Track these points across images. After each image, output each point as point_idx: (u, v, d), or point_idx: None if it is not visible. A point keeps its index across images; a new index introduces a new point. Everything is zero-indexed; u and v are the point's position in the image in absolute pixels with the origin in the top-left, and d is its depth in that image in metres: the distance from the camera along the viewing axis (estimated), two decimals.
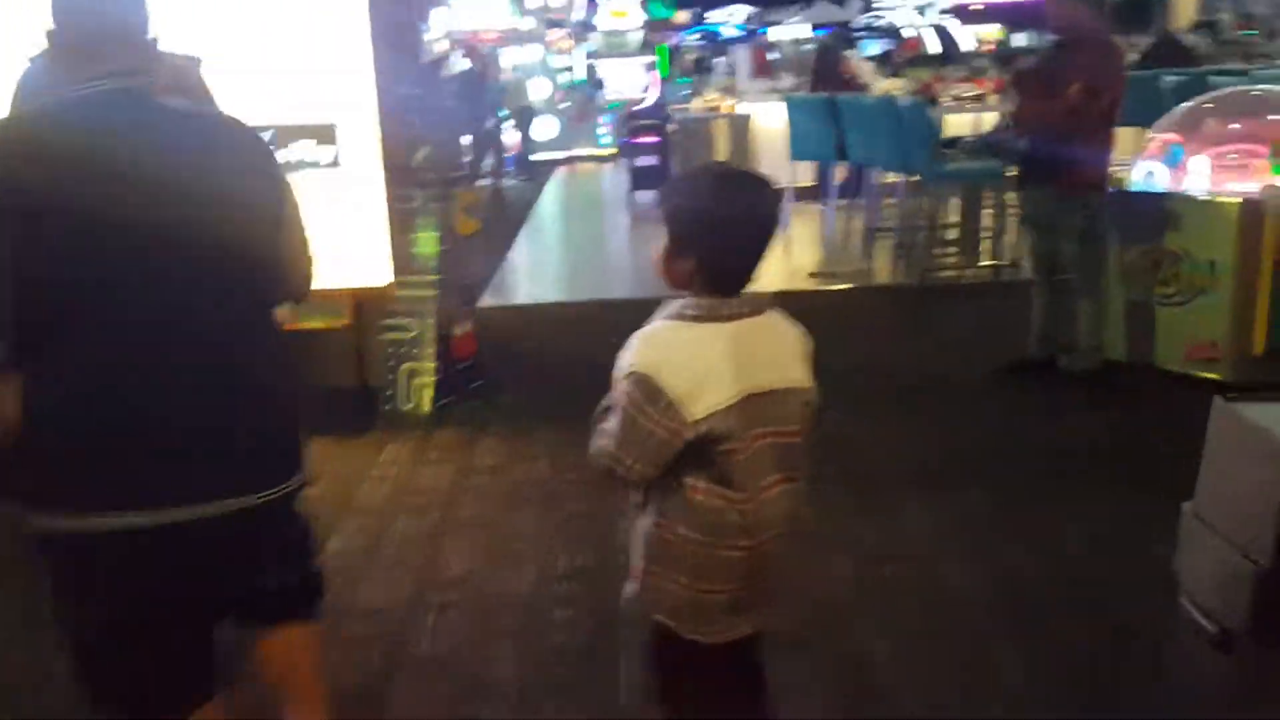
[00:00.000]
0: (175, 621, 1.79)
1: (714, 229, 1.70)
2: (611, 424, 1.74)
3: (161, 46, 2.83)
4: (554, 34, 17.08)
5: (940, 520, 3.65)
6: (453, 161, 5.65)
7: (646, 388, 1.67)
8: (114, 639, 1.77)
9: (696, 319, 1.72)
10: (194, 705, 1.86)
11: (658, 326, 1.75)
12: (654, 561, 1.79)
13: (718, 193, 1.74)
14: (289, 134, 4.49)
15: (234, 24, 4.37)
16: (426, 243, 5.00)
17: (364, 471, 4.31)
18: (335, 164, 4.56)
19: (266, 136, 4.43)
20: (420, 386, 4.95)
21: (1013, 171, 5.44)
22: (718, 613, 1.80)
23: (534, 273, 9.11)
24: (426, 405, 4.92)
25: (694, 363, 1.69)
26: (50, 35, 1.79)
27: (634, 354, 1.71)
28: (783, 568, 1.85)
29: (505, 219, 10.88)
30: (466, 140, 10.91)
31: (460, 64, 12.82)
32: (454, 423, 4.82)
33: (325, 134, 4.52)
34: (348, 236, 4.58)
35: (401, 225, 4.77)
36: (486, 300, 7.08)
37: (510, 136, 14.70)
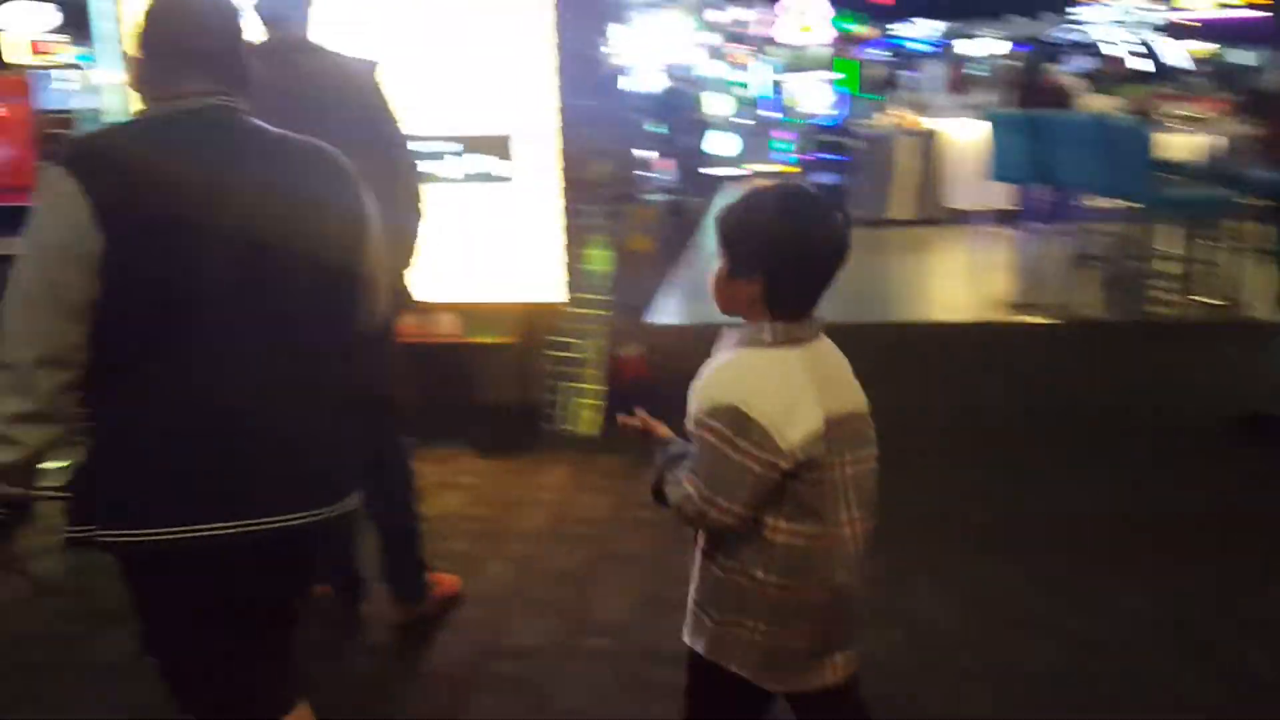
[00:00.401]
0: (252, 631, 1.79)
1: (787, 248, 1.61)
2: (692, 467, 1.65)
3: (338, 48, 2.72)
4: (734, 48, 16.87)
5: (1159, 604, 3.17)
6: (629, 176, 5.49)
7: (735, 420, 1.58)
8: (197, 648, 1.76)
9: (773, 344, 1.64)
10: (276, 714, 1.84)
11: (734, 356, 1.67)
12: (727, 611, 1.69)
13: (788, 211, 1.63)
14: (470, 144, 4.41)
15: (415, 30, 4.32)
16: (599, 260, 4.84)
17: (522, 495, 4.16)
18: (510, 177, 4.44)
19: (452, 148, 4.56)
20: (585, 408, 4.78)
21: (1255, 201, 4.81)
22: (801, 660, 1.69)
23: (705, 291, 8.83)
24: (590, 428, 4.75)
25: (782, 389, 1.61)
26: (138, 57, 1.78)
27: (714, 388, 1.64)
28: (862, 605, 1.76)
29: (678, 234, 10.66)
30: (658, 155, 10.71)
31: (655, 79, 12.73)
32: (617, 448, 4.61)
33: (502, 146, 4.41)
34: (519, 251, 4.47)
35: (575, 241, 4.62)
36: (656, 317, 6.88)
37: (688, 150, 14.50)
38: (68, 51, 6.90)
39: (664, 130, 11.28)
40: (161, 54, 1.73)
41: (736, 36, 17.07)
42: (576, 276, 4.65)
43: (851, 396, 1.70)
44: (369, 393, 1.92)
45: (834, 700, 1.74)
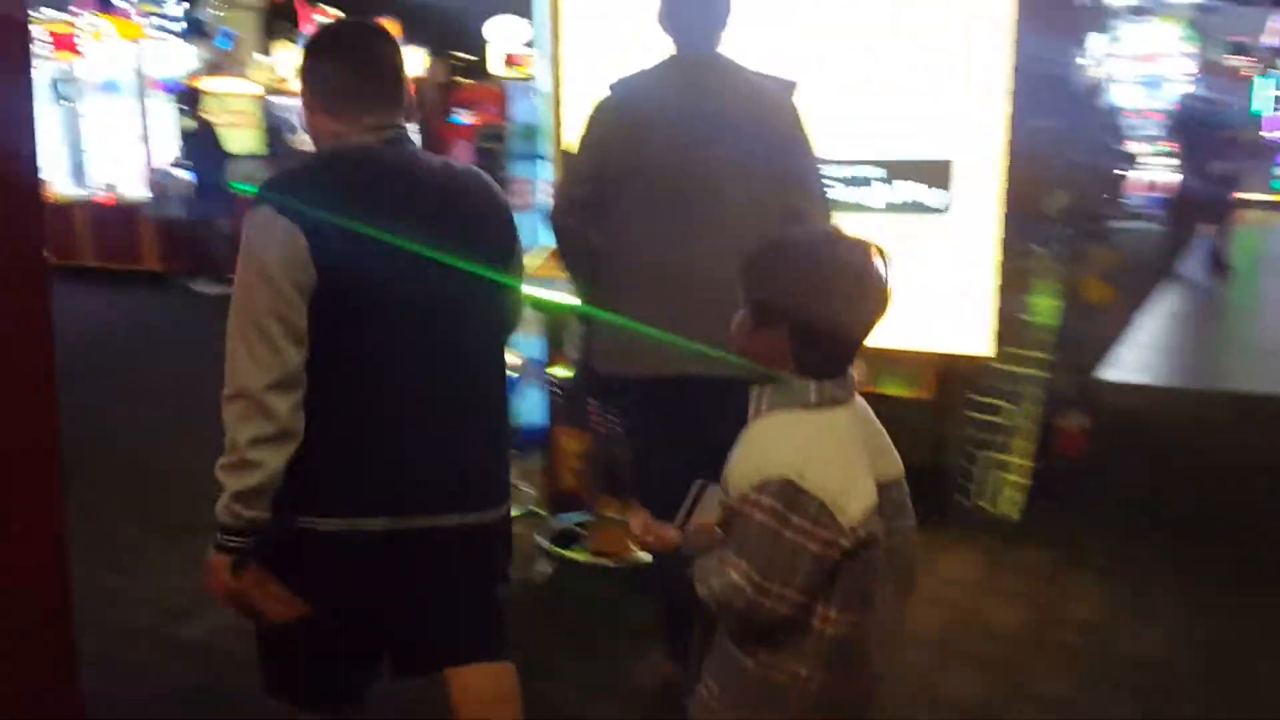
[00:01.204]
0: (356, 624, 1.88)
1: (826, 296, 1.46)
2: (737, 551, 1.43)
3: (759, 67, 2.58)
4: (1238, 61, 14.53)
5: None
6: (1096, 211, 4.61)
7: (787, 495, 1.40)
8: (307, 628, 1.85)
9: (819, 405, 1.48)
10: (350, 701, 1.99)
11: (777, 420, 1.49)
12: (755, 709, 1.50)
13: (818, 257, 1.49)
14: (897, 170, 3.85)
15: (842, 42, 3.84)
16: (1043, 310, 4.05)
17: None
18: (944, 208, 3.81)
19: (877, 174, 4.04)
20: (1006, 484, 4.02)
21: None
22: None
23: (1173, 345, 7.48)
24: (1010, 509, 3.99)
25: (839, 457, 1.45)
26: (324, 98, 1.89)
27: (760, 457, 1.45)
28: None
29: (1138, 274, 9.19)
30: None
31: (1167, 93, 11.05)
32: (1041, 539, 3.82)
33: (937, 173, 3.79)
34: (944, 293, 3.83)
35: (1013, 285, 3.88)
36: (1112, 374, 5.84)
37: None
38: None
39: (1178, 151, 9.58)
40: (338, 89, 1.83)
41: (1241, 47, 14.69)
42: (1011, 327, 3.92)
43: (894, 462, 1.56)
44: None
45: None
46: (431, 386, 1.83)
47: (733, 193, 2.40)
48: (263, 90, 11.09)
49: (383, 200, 1.80)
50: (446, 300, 1.84)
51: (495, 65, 7.71)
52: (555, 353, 3.85)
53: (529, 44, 7.28)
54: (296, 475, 1.75)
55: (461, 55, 14.12)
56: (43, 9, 10.63)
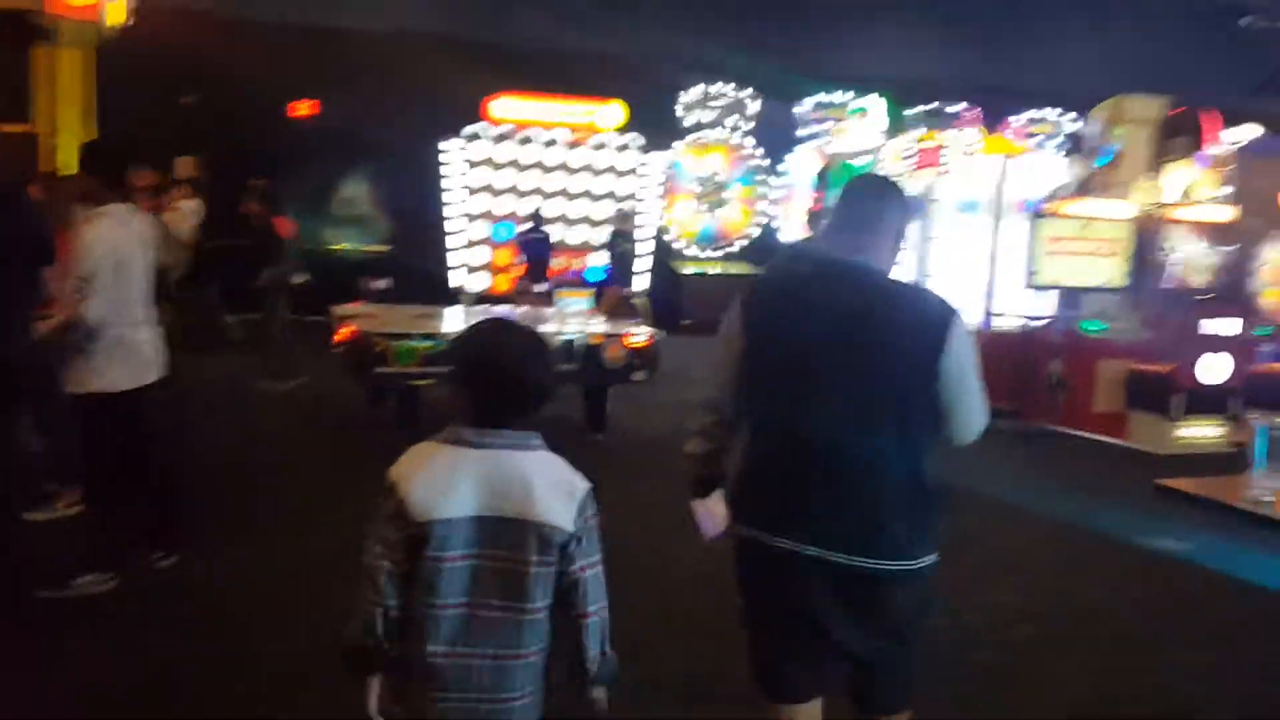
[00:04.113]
0: (788, 625, 2.47)
1: (464, 367, 2.07)
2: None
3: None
4: None
5: None
6: None
7: (384, 488, 1.99)
8: (758, 624, 2.55)
9: (446, 441, 2.03)
10: (797, 699, 2.52)
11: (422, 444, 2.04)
12: None
13: (469, 335, 2.11)
14: None
15: None
16: None
17: None
18: None
19: None
20: None
21: None
22: None
23: None
24: None
25: (432, 475, 1.97)
26: (828, 223, 2.61)
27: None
28: None
29: None
30: None
31: None
32: None
33: None
34: None
35: None
36: None
37: None
38: None
39: None
40: (834, 224, 2.56)
41: None
42: None
43: (515, 506, 1.93)
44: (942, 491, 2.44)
45: None
46: (811, 452, 2.37)
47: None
48: (1138, 213, 9.22)
49: (808, 296, 2.47)
50: (835, 385, 2.36)
51: None
52: None
53: None
54: (741, 493, 2.58)
55: None
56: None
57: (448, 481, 1.90)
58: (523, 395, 1.98)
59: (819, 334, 2.35)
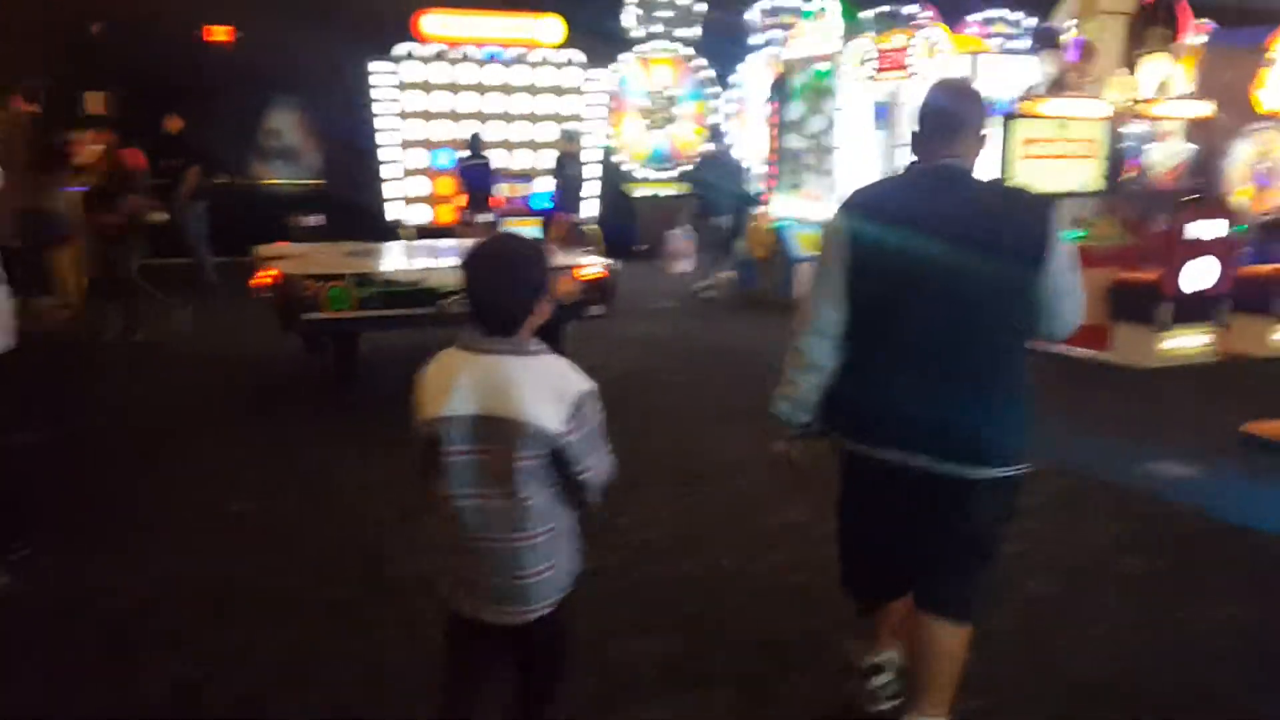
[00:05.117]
0: (884, 531, 2.61)
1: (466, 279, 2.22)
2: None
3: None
4: None
5: None
6: None
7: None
8: (852, 528, 2.72)
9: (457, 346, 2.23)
10: (888, 598, 2.75)
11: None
12: None
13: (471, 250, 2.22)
14: None
15: None
16: None
17: None
18: None
19: None
20: None
21: None
22: None
23: None
24: None
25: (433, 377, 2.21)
26: (913, 131, 2.58)
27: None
28: None
29: None
30: None
31: None
32: None
33: None
34: None
35: None
36: None
37: None
38: None
39: None
40: (921, 132, 2.56)
41: None
42: None
43: (502, 404, 2.10)
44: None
45: None
46: (915, 359, 2.45)
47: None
48: (1112, 111, 8.73)
49: (911, 205, 2.52)
50: (954, 284, 2.39)
51: None
52: None
53: None
54: (837, 400, 2.67)
55: None
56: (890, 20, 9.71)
57: (449, 382, 2.10)
58: (502, 309, 2.12)
59: (923, 239, 2.38)
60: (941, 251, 2.37)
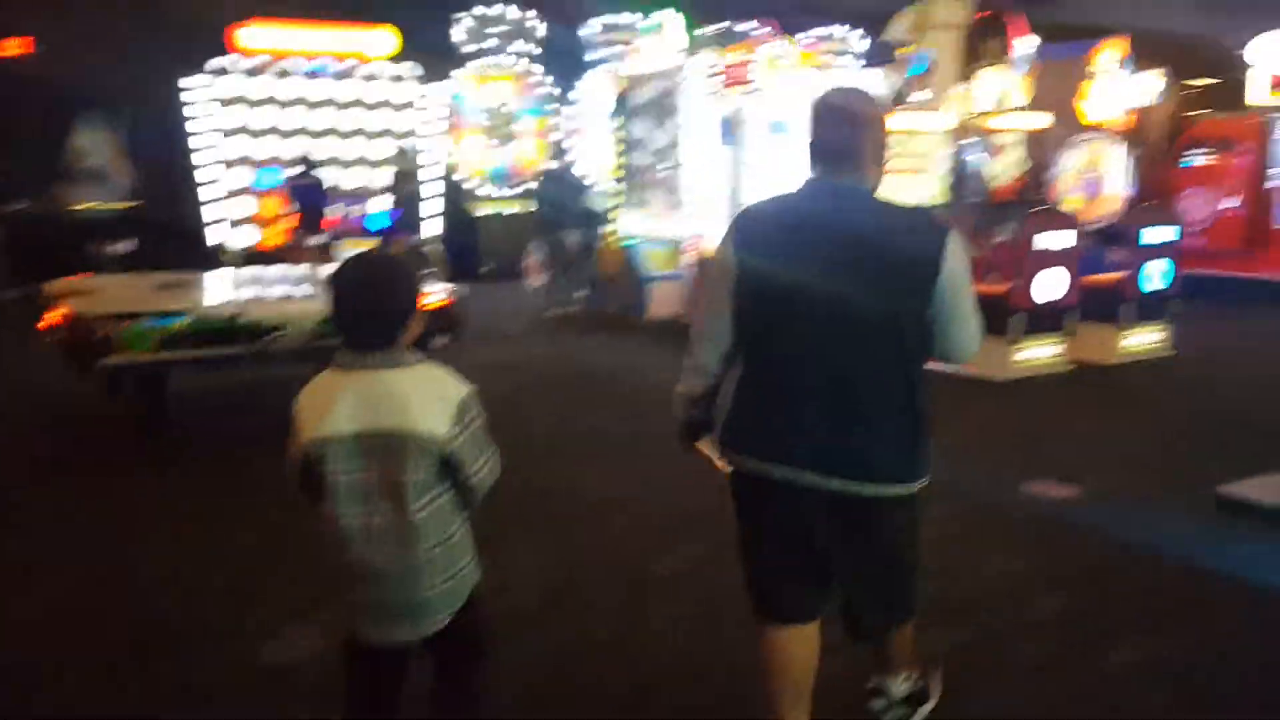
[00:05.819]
0: (784, 549, 2.49)
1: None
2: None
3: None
4: None
5: None
6: None
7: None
8: (752, 547, 2.56)
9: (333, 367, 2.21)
10: (794, 620, 2.53)
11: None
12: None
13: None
14: None
15: None
16: None
17: None
18: None
19: None
20: None
21: None
22: None
23: None
24: None
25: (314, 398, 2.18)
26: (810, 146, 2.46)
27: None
28: None
29: None
30: None
31: None
32: None
33: None
34: None
35: None
36: None
37: None
38: None
39: None
40: (814, 146, 2.44)
41: None
42: None
43: (385, 418, 2.10)
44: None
45: None
46: (800, 379, 2.38)
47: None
48: (952, 126, 8.81)
49: (799, 219, 2.46)
50: (842, 301, 2.31)
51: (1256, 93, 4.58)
52: None
53: None
54: (727, 416, 2.59)
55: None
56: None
57: (327, 403, 2.09)
58: (379, 320, 2.11)
59: (812, 258, 2.33)
60: (832, 270, 2.32)
